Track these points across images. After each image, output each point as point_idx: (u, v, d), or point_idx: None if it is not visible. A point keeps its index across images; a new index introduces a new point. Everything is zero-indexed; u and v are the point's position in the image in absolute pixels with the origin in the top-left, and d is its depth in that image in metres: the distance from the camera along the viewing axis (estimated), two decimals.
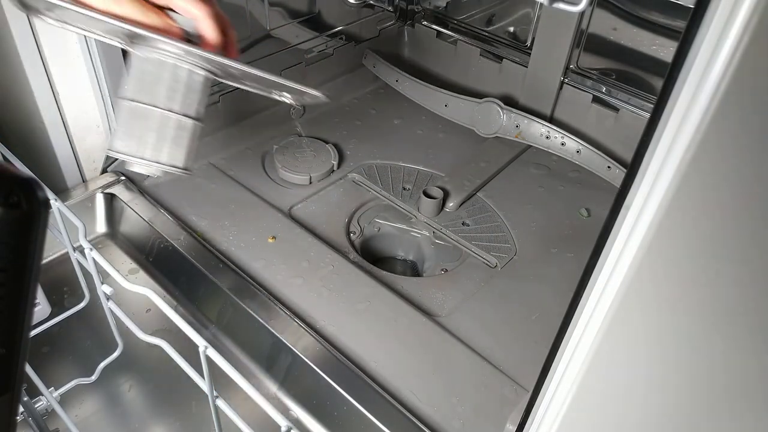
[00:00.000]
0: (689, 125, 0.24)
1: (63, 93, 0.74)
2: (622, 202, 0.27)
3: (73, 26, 0.48)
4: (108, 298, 0.50)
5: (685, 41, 0.23)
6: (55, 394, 0.56)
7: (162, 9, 0.48)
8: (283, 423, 0.38)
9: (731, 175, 0.25)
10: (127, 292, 0.46)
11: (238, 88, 0.53)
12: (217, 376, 0.42)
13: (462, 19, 1.09)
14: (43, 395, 0.56)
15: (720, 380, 0.31)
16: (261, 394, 0.39)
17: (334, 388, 0.61)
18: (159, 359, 0.67)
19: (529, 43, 0.98)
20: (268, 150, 0.91)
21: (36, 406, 0.56)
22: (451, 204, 0.85)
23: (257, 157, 0.91)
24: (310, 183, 0.87)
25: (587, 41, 0.92)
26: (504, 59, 1.02)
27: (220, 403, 0.42)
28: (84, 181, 0.81)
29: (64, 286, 0.72)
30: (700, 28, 0.22)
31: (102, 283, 0.49)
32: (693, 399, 0.33)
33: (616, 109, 0.92)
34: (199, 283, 0.73)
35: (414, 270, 0.84)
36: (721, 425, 0.33)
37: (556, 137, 0.92)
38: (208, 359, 0.40)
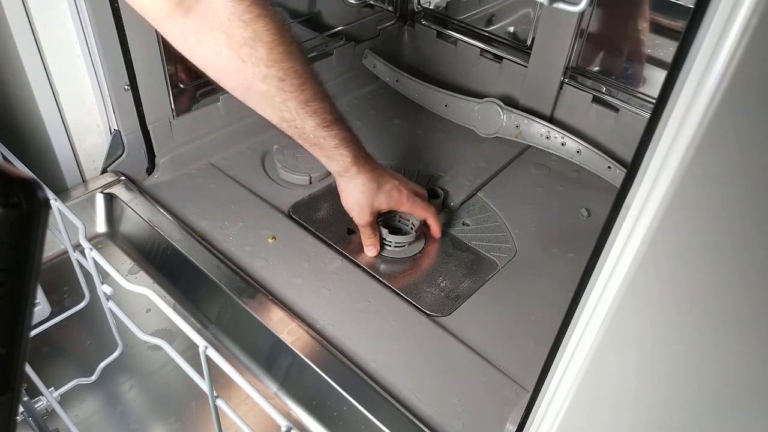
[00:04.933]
0: (689, 125, 0.24)
1: (63, 93, 0.74)
2: (622, 202, 0.27)
3: None
4: (108, 298, 0.50)
5: (685, 41, 0.23)
6: (55, 394, 0.56)
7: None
8: (283, 423, 0.38)
9: (731, 174, 0.25)
10: (127, 292, 0.46)
11: None
12: (217, 376, 0.42)
13: (462, 19, 1.09)
14: (43, 395, 0.56)
15: (724, 380, 0.31)
16: (261, 394, 0.39)
17: (334, 388, 0.60)
18: (159, 359, 0.67)
19: (529, 43, 0.98)
20: (268, 150, 0.91)
21: (36, 406, 0.56)
22: (451, 204, 0.85)
23: (257, 157, 0.91)
24: (310, 183, 0.86)
25: (587, 41, 0.92)
26: (504, 59, 1.02)
27: (220, 403, 0.42)
28: (84, 181, 0.81)
29: (64, 286, 0.72)
30: (700, 28, 0.22)
31: (102, 283, 0.49)
32: (696, 398, 0.33)
33: (616, 109, 0.92)
34: (199, 283, 0.73)
35: None
36: (727, 425, 0.33)
37: (556, 137, 0.92)
38: (208, 359, 0.40)
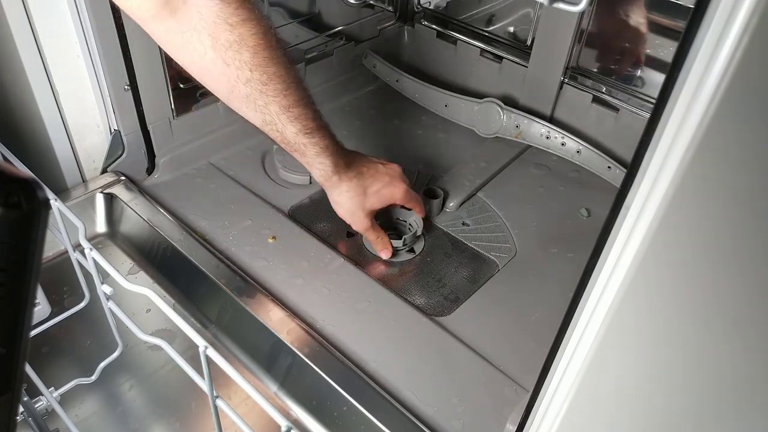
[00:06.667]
0: (689, 125, 0.24)
1: (63, 93, 0.74)
2: (622, 202, 0.27)
3: None
4: (108, 298, 0.50)
5: (685, 41, 0.23)
6: (55, 394, 0.56)
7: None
8: (283, 423, 0.38)
9: (731, 174, 0.25)
10: (127, 292, 0.46)
11: None
12: (217, 376, 0.42)
13: (462, 19, 1.09)
14: (43, 395, 0.56)
15: (724, 380, 0.31)
16: (261, 394, 0.39)
17: (334, 388, 0.61)
18: (159, 359, 0.67)
19: (529, 43, 0.98)
20: (268, 150, 0.91)
21: (36, 406, 0.56)
22: (451, 204, 0.85)
23: (257, 157, 0.91)
24: (310, 183, 0.86)
25: (587, 41, 0.92)
26: (504, 59, 1.02)
27: (220, 403, 0.42)
28: (84, 181, 0.81)
29: (64, 286, 0.72)
30: (700, 28, 0.22)
31: (102, 283, 0.49)
32: (696, 399, 0.33)
33: (616, 109, 0.92)
34: (199, 283, 0.73)
35: None
36: (727, 425, 0.33)
37: (556, 137, 0.92)
38: (208, 359, 0.40)
